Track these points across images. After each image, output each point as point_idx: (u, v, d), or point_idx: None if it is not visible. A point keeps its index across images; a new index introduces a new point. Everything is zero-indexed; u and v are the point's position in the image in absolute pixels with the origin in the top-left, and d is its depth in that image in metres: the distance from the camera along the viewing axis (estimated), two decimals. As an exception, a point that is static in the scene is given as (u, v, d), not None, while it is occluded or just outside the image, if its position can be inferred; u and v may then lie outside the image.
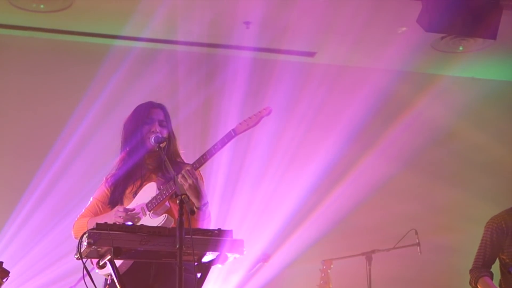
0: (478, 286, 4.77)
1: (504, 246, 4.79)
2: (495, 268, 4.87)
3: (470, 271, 4.84)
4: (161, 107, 4.02)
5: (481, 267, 4.80)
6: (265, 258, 5.97)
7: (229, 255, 3.38)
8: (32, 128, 6.60)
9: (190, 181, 3.59)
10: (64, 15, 6.30)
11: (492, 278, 4.78)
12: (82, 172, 6.31)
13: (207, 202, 3.71)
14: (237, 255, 3.37)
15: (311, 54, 7.25)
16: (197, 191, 3.62)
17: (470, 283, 4.84)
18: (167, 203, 3.74)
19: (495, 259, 4.86)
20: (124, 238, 3.21)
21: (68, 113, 6.48)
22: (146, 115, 3.96)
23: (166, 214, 3.69)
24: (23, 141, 6.56)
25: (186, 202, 3.21)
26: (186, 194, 3.26)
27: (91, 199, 3.99)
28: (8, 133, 6.56)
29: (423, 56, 7.22)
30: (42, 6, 6.14)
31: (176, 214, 3.63)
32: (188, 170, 3.61)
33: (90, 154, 6.32)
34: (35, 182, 6.32)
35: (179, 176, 3.59)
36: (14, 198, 6.29)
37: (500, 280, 4.87)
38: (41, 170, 6.35)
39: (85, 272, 3.35)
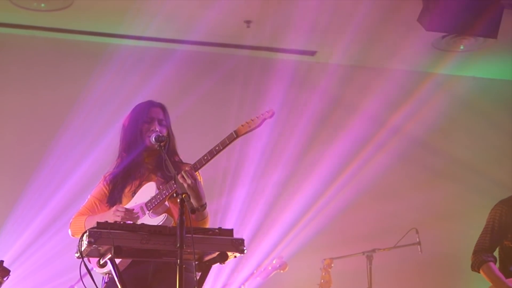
0: (481, 272, 4.58)
1: (509, 231, 4.62)
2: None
3: (473, 254, 4.63)
4: (160, 106, 4.02)
5: (486, 250, 4.59)
6: (282, 266, 5.95)
7: (229, 254, 3.39)
8: (33, 127, 6.60)
9: (189, 182, 3.59)
10: (65, 14, 6.30)
11: (495, 263, 4.59)
12: (83, 170, 6.31)
13: (206, 204, 3.71)
14: (237, 254, 3.38)
15: (311, 53, 7.24)
16: (196, 192, 3.62)
17: (472, 267, 4.64)
18: (166, 203, 3.74)
19: (499, 244, 4.67)
20: (124, 237, 3.21)
21: (69, 112, 6.48)
22: (146, 114, 3.96)
23: (166, 214, 3.69)
24: (24, 140, 6.56)
25: (187, 201, 3.22)
26: (187, 193, 3.26)
27: (88, 197, 4.00)
28: (9, 131, 6.56)
29: (424, 55, 7.21)
30: (43, 5, 6.14)
31: (176, 214, 3.65)
32: (187, 171, 3.61)
33: (91, 153, 6.32)
34: (35, 181, 6.32)
35: (178, 176, 3.60)
36: (14, 197, 6.29)
37: (499, 267, 4.69)
38: (41, 169, 6.35)
39: (84, 271, 3.35)
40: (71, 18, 6.45)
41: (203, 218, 3.73)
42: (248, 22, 6.52)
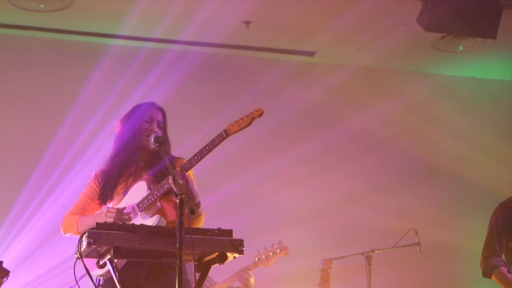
0: (493, 278, 4.42)
1: None
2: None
3: (484, 259, 4.47)
4: (161, 109, 4.06)
5: (496, 254, 4.44)
6: (283, 250, 5.95)
7: (228, 254, 3.39)
8: (32, 127, 6.60)
9: (181, 182, 3.58)
10: (64, 14, 6.30)
11: (506, 267, 4.41)
12: (83, 170, 6.29)
13: (199, 202, 3.72)
14: (236, 255, 3.38)
15: (310, 54, 7.25)
16: (188, 192, 3.61)
17: (484, 274, 4.46)
18: (158, 203, 3.74)
19: (505, 245, 4.51)
20: (124, 237, 3.21)
21: (68, 112, 6.48)
22: (147, 114, 3.98)
23: (159, 215, 3.69)
24: (23, 140, 6.55)
25: (186, 202, 3.21)
26: (186, 194, 3.26)
27: (80, 195, 4.00)
28: (8, 131, 6.56)
29: (423, 55, 7.22)
30: (42, 5, 6.14)
31: (168, 214, 3.69)
32: (178, 172, 3.61)
33: (90, 152, 6.32)
34: (33, 180, 6.32)
35: (169, 177, 3.57)
36: (13, 197, 6.29)
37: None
38: (40, 168, 6.35)
39: (81, 272, 3.36)
40: (70, 18, 6.45)
41: (198, 215, 3.74)
42: (247, 22, 6.52)
